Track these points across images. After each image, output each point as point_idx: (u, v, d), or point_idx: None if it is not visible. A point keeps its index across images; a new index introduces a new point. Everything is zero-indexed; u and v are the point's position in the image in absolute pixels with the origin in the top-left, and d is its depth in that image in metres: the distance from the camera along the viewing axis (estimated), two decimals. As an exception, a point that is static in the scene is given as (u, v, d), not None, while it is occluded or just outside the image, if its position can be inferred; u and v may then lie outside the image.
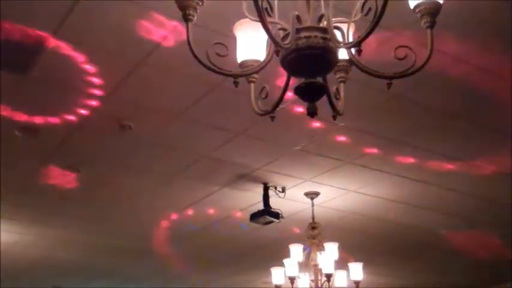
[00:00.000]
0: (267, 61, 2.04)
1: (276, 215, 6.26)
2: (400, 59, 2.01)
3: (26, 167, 5.68)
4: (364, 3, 1.95)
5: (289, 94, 2.13)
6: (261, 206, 6.27)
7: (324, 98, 2.09)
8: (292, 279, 6.10)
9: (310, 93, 2.02)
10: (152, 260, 8.91)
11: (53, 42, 3.83)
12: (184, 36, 1.98)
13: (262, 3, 1.88)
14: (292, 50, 1.94)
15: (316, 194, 6.41)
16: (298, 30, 1.95)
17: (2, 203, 6.50)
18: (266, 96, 2.16)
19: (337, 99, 2.18)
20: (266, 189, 6.24)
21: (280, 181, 6.15)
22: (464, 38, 3.86)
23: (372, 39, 1.95)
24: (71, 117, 4.82)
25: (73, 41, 3.84)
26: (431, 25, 1.97)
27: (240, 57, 2.13)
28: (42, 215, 6.99)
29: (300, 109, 4.53)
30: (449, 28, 3.60)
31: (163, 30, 3.73)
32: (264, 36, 2.04)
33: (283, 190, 6.30)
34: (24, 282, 10.02)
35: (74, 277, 9.93)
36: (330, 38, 1.95)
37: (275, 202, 6.29)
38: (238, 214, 6.94)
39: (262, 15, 1.86)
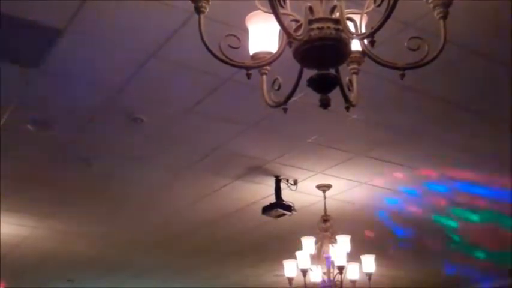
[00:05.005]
0: (279, 53, 2.03)
1: (288, 208, 6.26)
2: (413, 50, 2.00)
3: (37, 160, 5.71)
4: (376, -5, 1.95)
5: (302, 86, 2.13)
6: (273, 199, 6.27)
7: (337, 89, 2.08)
8: (304, 272, 6.11)
9: (322, 85, 2.01)
10: (164, 253, 8.96)
11: (64, 35, 3.84)
12: (196, 29, 1.98)
13: (275, -5, 1.88)
14: (305, 42, 1.93)
15: (328, 186, 6.41)
16: (310, 22, 1.94)
17: (14, 196, 6.54)
18: (279, 88, 2.16)
19: (349, 90, 2.18)
20: (278, 182, 6.25)
21: (292, 174, 6.15)
22: (475, 30, 3.85)
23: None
24: (83, 111, 4.83)
25: (85, 34, 3.85)
26: (445, 16, 1.96)
27: (252, 49, 2.13)
28: (53, 209, 7.02)
29: (312, 101, 4.51)
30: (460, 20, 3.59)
31: (175, 22, 3.73)
32: (276, 28, 2.04)
33: (295, 183, 6.30)
34: (38, 276, 10.09)
35: (87, 271, 10.00)
36: (343, 29, 1.95)
37: (287, 195, 6.29)
38: (250, 207, 6.94)
39: (275, 6, 1.85)
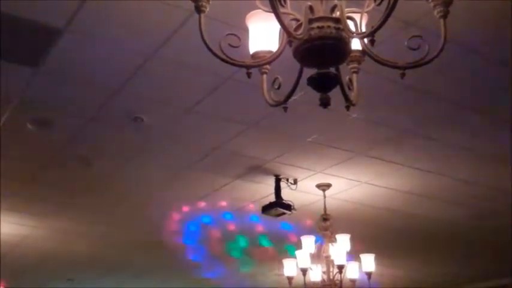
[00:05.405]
0: (280, 52, 2.03)
1: (288, 207, 6.26)
2: (414, 49, 2.00)
3: (37, 160, 5.71)
4: (377, -7, 1.95)
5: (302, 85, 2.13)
6: (272, 198, 6.27)
7: (337, 88, 2.09)
8: (304, 271, 6.11)
9: (323, 84, 2.01)
10: (164, 252, 8.95)
11: (64, 35, 3.84)
12: (196, 28, 1.98)
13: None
14: (305, 41, 1.93)
15: (328, 185, 6.41)
16: (311, 21, 1.94)
17: (14, 196, 6.54)
18: (279, 87, 2.16)
19: (349, 89, 2.18)
20: (278, 181, 6.25)
21: (292, 173, 6.15)
22: (475, 30, 3.85)
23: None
24: (83, 111, 4.83)
25: (84, 34, 3.85)
26: (445, 15, 1.97)
27: (253, 48, 2.13)
28: (53, 208, 7.02)
29: (313, 100, 4.52)
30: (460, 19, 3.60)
31: (175, 22, 3.73)
32: (276, 27, 2.04)
33: (295, 182, 6.30)
34: (38, 275, 10.09)
35: (87, 271, 10.00)
36: (343, 28, 1.95)
37: (287, 194, 6.29)
38: (250, 206, 6.95)
39: (275, 5, 1.85)
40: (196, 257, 9.12)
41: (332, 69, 2.03)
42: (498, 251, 8.65)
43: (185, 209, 7.10)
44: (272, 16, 1.90)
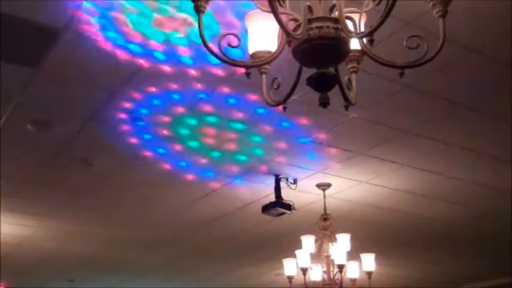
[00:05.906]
0: (279, 52, 2.04)
1: (288, 207, 6.26)
2: (412, 49, 2.01)
3: (37, 160, 5.70)
4: (375, -7, 1.95)
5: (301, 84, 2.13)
6: (272, 198, 6.27)
7: (336, 88, 2.09)
8: (304, 271, 6.11)
9: (322, 84, 2.02)
10: (164, 253, 8.95)
11: (64, 35, 3.84)
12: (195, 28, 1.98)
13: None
14: (304, 41, 1.94)
15: (328, 185, 6.41)
16: (310, 21, 1.95)
17: (14, 196, 6.54)
18: (278, 87, 2.16)
19: (349, 89, 2.18)
20: (278, 180, 6.24)
21: (292, 173, 6.15)
22: (475, 29, 3.85)
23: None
24: (83, 111, 4.83)
25: (84, 34, 3.85)
26: (444, 14, 1.97)
27: (252, 48, 2.13)
28: (54, 208, 7.02)
29: (312, 100, 4.51)
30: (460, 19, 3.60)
31: (174, 22, 3.74)
32: (275, 27, 2.04)
33: (295, 182, 6.30)
34: (38, 275, 10.08)
35: (87, 271, 9.99)
36: (342, 28, 1.95)
37: (287, 194, 6.29)
38: (250, 206, 6.94)
39: (274, 5, 1.86)
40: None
41: (331, 69, 2.03)
42: (498, 251, 8.66)
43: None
44: (271, 16, 1.90)
